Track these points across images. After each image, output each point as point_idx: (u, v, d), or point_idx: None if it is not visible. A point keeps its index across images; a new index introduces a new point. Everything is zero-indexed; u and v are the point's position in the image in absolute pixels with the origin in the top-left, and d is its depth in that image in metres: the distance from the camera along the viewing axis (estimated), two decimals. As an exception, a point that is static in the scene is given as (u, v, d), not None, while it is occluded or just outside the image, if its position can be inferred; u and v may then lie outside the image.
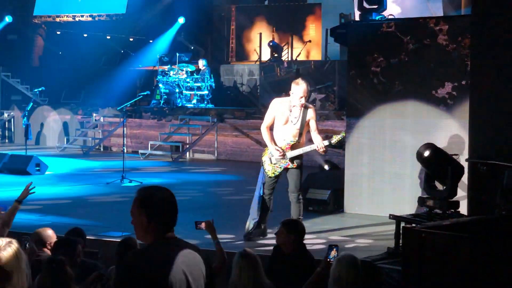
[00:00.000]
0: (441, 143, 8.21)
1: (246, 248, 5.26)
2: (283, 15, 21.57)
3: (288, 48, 20.97)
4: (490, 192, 6.53)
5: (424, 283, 4.62)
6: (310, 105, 7.72)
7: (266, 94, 17.69)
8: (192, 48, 21.71)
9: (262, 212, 7.70)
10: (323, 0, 21.13)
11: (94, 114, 19.37)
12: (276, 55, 19.97)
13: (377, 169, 9.20)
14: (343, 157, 10.12)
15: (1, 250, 2.87)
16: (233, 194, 11.45)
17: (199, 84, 18.67)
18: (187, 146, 16.83)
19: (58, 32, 23.30)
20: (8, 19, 22.46)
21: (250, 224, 7.76)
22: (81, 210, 9.73)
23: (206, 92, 18.59)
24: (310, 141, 7.68)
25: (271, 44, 20.24)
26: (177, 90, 18.72)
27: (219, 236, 5.54)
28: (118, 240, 5.74)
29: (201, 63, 18.94)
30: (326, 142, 7.43)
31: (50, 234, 5.79)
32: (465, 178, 7.27)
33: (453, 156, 7.33)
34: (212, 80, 18.74)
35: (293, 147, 7.54)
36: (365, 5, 9.38)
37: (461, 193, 7.34)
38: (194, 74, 19.00)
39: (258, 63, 20.18)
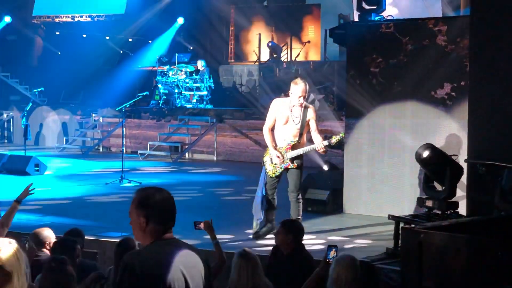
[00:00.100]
0: (440, 144, 8.22)
1: (246, 248, 5.27)
2: (282, 16, 21.57)
3: (287, 48, 20.98)
4: (489, 193, 6.54)
5: (423, 283, 4.63)
6: (310, 105, 7.75)
7: (265, 95, 17.71)
8: (191, 48, 21.71)
9: (268, 211, 7.74)
10: (322, 1, 21.13)
11: (93, 115, 19.37)
12: (275, 55, 19.97)
13: (376, 169, 9.21)
14: (342, 158, 10.13)
15: (0, 250, 2.87)
16: (232, 195, 11.46)
17: (198, 85, 18.68)
18: (186, 146, 16.84)
19: (58, 33, 23.30)
20: (8, 19, 22.43)
21: (256, 224, 7.82)
22: (80, 211, 9.73)
23: (205, 92, 18.60)
24: (311, 141, 7.70)
25: (270, 44, 20.25)
26: (176, 91, 18.72)
27: (218, 236, 5.55)
28: (117, 240, 5.74)
29: (200, 64, 18.95)
30: (325, 143, 7.45)
31: (49, 235, 5.80)
32: (464, 179, 7.27)
33: (452, 157, 7.33)
34: (211, 80, 18.74)
35: (293, 147, 7.56)
36: (364, 5, 9.39)
37: (460, 194, 7.34)
38: (193, 74, 19.01)
39: (257, 63, 20.19)
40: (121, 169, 12.41)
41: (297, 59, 20.26)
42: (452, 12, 11.05)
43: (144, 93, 14.34)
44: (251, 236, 7.79)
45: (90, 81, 21.23)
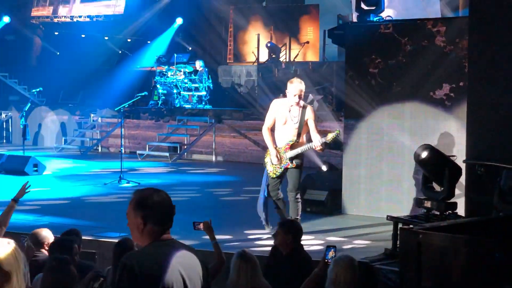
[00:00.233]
0: (439, 144, 8.22)
1: (245, 249, 5.27)
2: (281, 16, 21.56)
3: (285, 49, 20.97)
4: (488, 193, 6.54)
5: (421, 284, 4.63)
6: (309, 105, 7.81)
7: (264, 95, 17.71)
8: (190, 49, 21.70)
9: (278, 211, 7.85)
10: (321, 2, 21.12)
11: (92, 115, 19.36)
12: (274, 56, 19.97)
13: (375, 170, 9.21)
14: (341, 158, 10.13)
15: (-1, 250, 2.87)
16: (231, 195, 11.46)
17: (197, 85, 18.67)
18: (185, 147, 16.83)
19: (56, 33, 23.29)
20: (6, 19, 22.42)
21: (265, 224, 7.95)
22: (79, 211, 9.72)
23: (204, 93, 18.59)
24: (310, 141, 7.74)
25: (269, 45, 20.24)
26: (175, 91, 18.72)
27: (217, 236, 5.55)
28: (116, 241, 5.74)
29: (199, 64, 18.94)
30: (322, 140, 7.51)
31: (48, 235, 5.80)
32: (462, 179, 7.27)
33: (451, 157, 7.34)
34: (210, 81, 18.74)
35: (292, 146, 7.63)
36: (363, 6, 9.39)
37: (459, 194, 7.35)
38: (192, 75, 19.00)
39: (256, 64, 20.18)
40: (119, 170, 12.41)
41: (296, 60, 20.25)
42: (451, 13, 11.04)
43: (143, 94, 14.33)
44: (251, 237, 7.80)
45: (89, 81, 21.22)
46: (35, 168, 13.22)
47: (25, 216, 8.75)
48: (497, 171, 6.51)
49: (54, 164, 14.83)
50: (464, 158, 7.27)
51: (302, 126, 7.63)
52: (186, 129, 17.42)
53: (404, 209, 8.40)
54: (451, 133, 8.57)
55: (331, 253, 5.21)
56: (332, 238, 7.89)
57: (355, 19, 10.27)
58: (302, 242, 5.97)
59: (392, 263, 6.30)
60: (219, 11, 22.43)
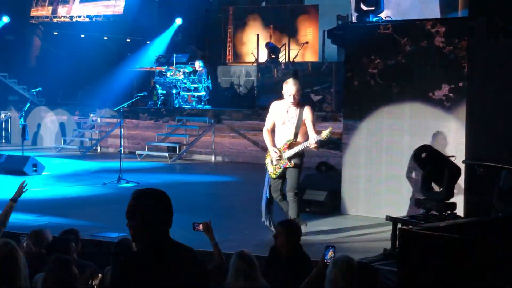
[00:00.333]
0: (438, 145, 8.22)
1: (243, 249, 5.26)
2: (280, 17, 21.57)
3: (285, 49, 20.97)
4: (487, 194, 6.54)
5: (420, 284, 4.63)
6: (307, 105, 7.85)
7: (263, 95, 17.70)
8: (190, 49, 21.69)
9: (283, 211, 7.86)
10: (320, 2, 21.12)
11: (91, 115, 19.36)
12: (273, 56, 19.97)
13: (374, 170, 9.21)
14: (340, 159, 10.13)
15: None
16: (230, 195, 11.46)
17: (196, 85, 18.66)
18: (184, 147, 16.83)
19: (56, 33, 23.28)
20: (6, 19, 22.41)
21: (267, 225, 7.96)
22: (78, 211, 9.72)
23: (203, 93, 18.59)
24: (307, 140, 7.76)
25: (268, 45, 20.24)
26: (174, 91, 18.71)
27: (216, 237, 5.55)
28: (115, 241, 5.74)
29: (198, 64, 18.93)
30: (317, 137, 7.56)
31: (47, 235, 5.80)
32: (462, 180, 7.28)
33: (450, 158, 7.34)
34: (209, 81, 18.73)
35: (290, 146, 7.71)
36: (362, 6, 9.39)
37: (458, 195, 7.35)
38: (191, 75, 18.99)
39: (255, 64, 20.18)
40: (119, 170, 12.41)
41: (295, 60, 20.25)
42: (450, 13, 11.04)
43: (142, 94, 14.33)
44: (250, 237, 7.79)
45: (88, 81, 21.21)
46: (34, 168, 13.22)
47: (24, 216, 8.75)
48: (496, 171, 6.51)
49: (53, 164, 14.82)
50: (463, 158, 7.28)
51: (300, 126, 7.71)
52: (185, 129, 17.42)
53: (403, 209, 8.40)
54: (450, 133, 8.57)
55: (330, 253, 5.20)
56: (331, 238, 7.88)
57: (354, 20, 10.28)
58: (300, 242, 5.96)
59: (391, 263, 6.30)
60: (218, 11, 22.45)
